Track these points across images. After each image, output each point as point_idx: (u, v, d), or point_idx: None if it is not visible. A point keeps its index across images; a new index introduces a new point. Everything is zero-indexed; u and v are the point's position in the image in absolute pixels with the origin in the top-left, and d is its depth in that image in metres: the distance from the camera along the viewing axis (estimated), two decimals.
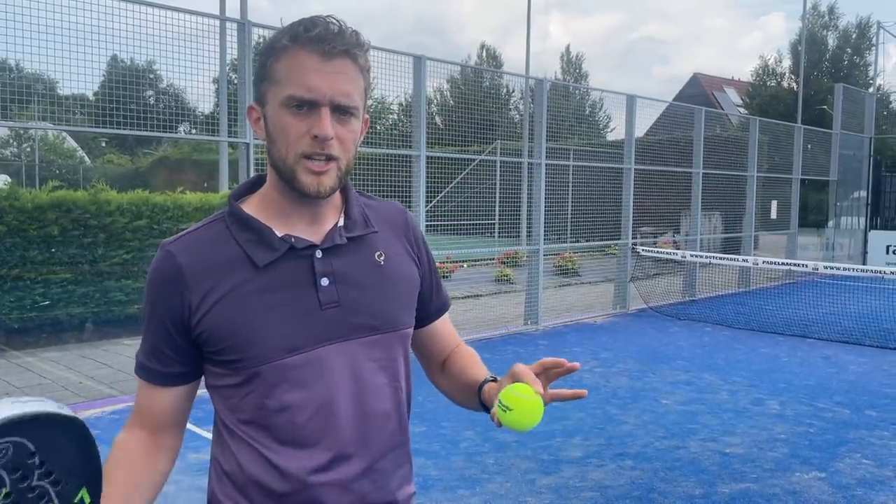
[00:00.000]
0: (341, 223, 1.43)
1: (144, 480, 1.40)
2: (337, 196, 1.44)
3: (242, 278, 1.34)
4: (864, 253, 17.02)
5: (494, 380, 1.46)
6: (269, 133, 1.34)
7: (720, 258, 11.52)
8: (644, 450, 5.22)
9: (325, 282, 1.37)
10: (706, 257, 11.47)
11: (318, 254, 1.38)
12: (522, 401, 1.28)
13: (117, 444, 1.41)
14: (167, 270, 1.36)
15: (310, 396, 1.35)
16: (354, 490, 1.39)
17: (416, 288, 1.53)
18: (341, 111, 1.31)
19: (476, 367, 1.57)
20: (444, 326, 1.66)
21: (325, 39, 1.28)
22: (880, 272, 9.84)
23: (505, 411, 1.28)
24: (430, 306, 1.60)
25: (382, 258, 1.46)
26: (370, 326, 1.41)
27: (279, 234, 1.37)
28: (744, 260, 11.25)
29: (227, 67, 10.20)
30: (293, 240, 1.37)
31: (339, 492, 1.37)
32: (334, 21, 1.31)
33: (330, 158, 1.31)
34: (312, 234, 1.40)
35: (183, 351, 1.38)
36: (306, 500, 1.36)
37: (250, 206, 1.41)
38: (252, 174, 6.63)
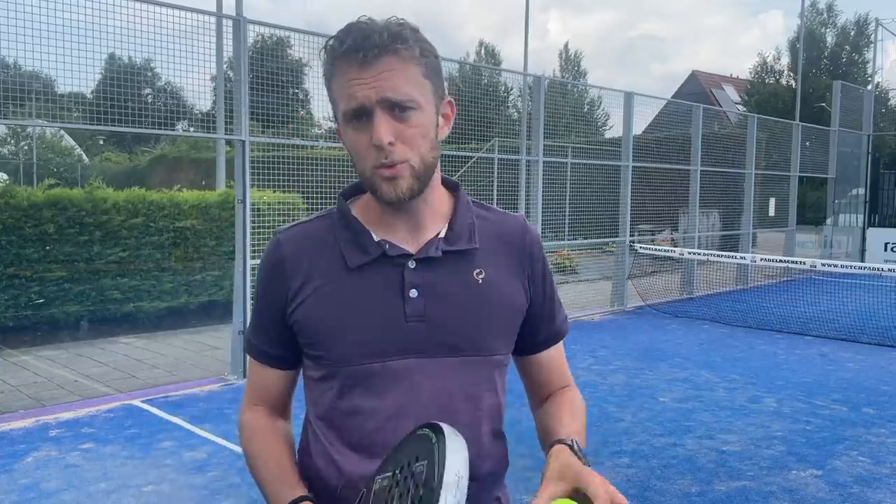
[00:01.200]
0: (442, 234, 1.37)
1: (285, 452, 1.43)
2: (446, 203, 1.41)
3: (332, 277, 1.34)
4: (863, 250, 17.02)
5: (571, 447, 1.28)
6: (349, 150, 1.33)
7: (717, 255, 11.51)
8: (640, 447, 5.21)
9: (413, 293, 1.33)
10: (703, 255, 11.46)
11: (412, 264, 1.34)
12: None
13: (247, 425, 1.46)
14: (273, 257, 1.39)
15: (381, 406, 1.33)
16: None
17: (518, 313, 1.42)
18: (397, 108, 1.25)
19: (567, 418, 1.43)
20: (553, 359, 1.53)
21: (358, 48, 1.24)
22: (877, 269, 9.82)
23: None
24: (538, 334, 1.49)
25: (482, 276, 1.37)
26: (454, 347, 1.34)
27: (377, 238, 1.35)
28: (741, 257, 11.23)
29: (225, 65, 10.20)
30: (387, 246, 1.34)
31: None
32: (365, 23, 1.26)
33: (396, 163, 1.27)
34: (412, 241, 1.36)
35: (283, 335, 1.40)
36: None
37: (358, 207, 1.41)
38: (248, 173, 6.64)
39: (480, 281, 1.37)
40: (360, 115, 1.26)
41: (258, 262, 6.97)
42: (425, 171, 1.30)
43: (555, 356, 1.53)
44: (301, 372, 1.47)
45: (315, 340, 1.35)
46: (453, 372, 1.35)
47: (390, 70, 1.24)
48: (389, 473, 1.13)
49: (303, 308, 1.34)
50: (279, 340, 1.40)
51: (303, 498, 1.30)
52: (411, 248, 1.35)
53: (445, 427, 1.09)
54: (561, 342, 1.54)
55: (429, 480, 1.03)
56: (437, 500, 1.00)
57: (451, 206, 1.41)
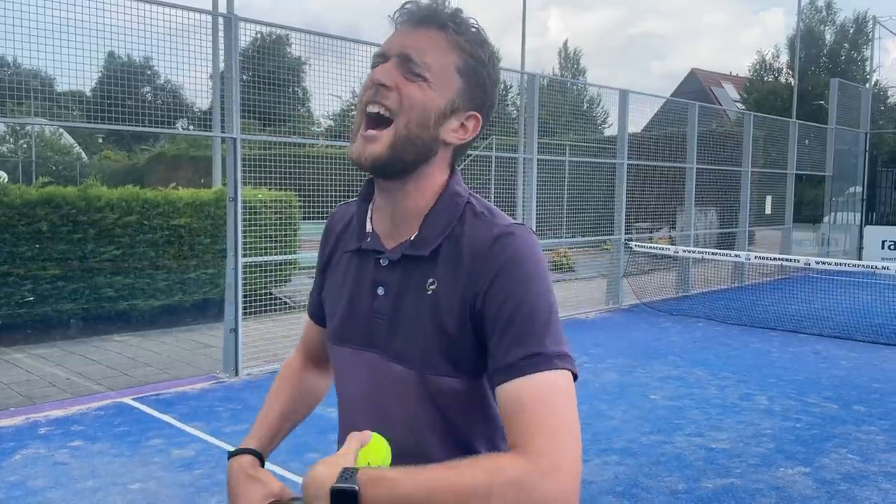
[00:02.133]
0: (413, 237, 1.29)
1: (302, 392, 1.62)
2: (432, 200, 1.29)
3: (343, 257, 1.41)
4: (860, 248, 17.00)
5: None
6: None
7: (712, 253, 11.50)
8: (629, 445, 5.21)
9: (380, 290, 1.30)
10: (698, 253, 11.45)
11: (384, 261, 1.30)
12: None
13: (286, 363, 1.65)
14: (328, 224, 1.50)
15: (343, 390, 1.42)
16: None
17: (448, 336, 1.23)
18: (409, 69, 1.21)
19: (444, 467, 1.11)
20: (507, 401, 1.14)
21: (412, 12, 1.26)
22: (872, 267, 9.81)
23: None
24: (492, 362, 1.19)
25: (433, 288, 1.25)
26: (399, 355, 1.27)
27: (370, 227, 1.36)
28: (736, 255, 11.22)
29: (221, 63, 10.18)
30: (368, 239, 1.34)
31: None
32: (441, 2, 1.28)
33: (382, 121, 1.21)
34: (391, 236, 1.32)
35: (321, 291, 1.50)
36: None
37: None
38: (239, 170, 6.63)
39: (430, 292, 1.25)
40: (378, 59, 1.26)
41: (249, 260, 7.01)
42: (405, 145, 1.22)
43: (509, 398, 1.13)
44: None
45: (325, 310, 1.47)
46: (398, 380, 1.27)
47: (427, 36, 1.24)
48: None
49: (325, 280, 1.46)
50: (320, 300, 1.49)
51: (243, 451, 1.46)
52: (389, 244, 1.31)
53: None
54: (526, 384, 1.13)
55: None
56: None
57: (434, 204, 1.30)
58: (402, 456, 1.16)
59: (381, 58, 1.26)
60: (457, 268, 1.24)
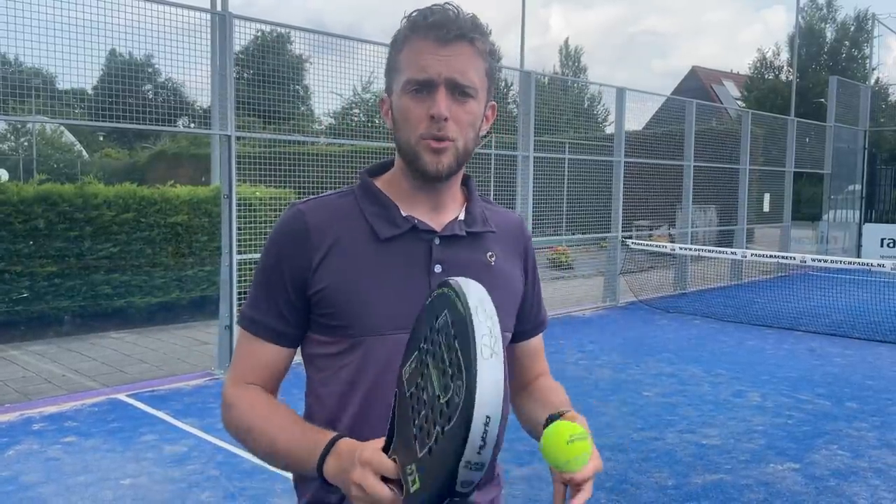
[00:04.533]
0: (461, 217, 1.45)
1: (296, 414, 1.38)
2: (459, 191, 1.48)
3: (364, 248, 1.37)
4: (859, 246, 17.00)
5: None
6: (395, 119, 1.38)
7: (709, 251, 11.51)
8: (620, 441, 5.23)
9: (438, 269, 1.39)
10: (695, 250, 11.46)
11: (437, 240, 1.40)
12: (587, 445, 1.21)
13: (241, 397, 1.40)
14: (296, 227, 1.39)
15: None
16: None
17: (518, 297, 1.53)
18: (459, 91, 1.32)
19: (556, 399, 1.50)
20: (537, 348, 1.65)
21: (441, 25, 1.31)
22: (868, 264, 9.81)
23: (584, 438, 1.21)
24: (527, 322, 1.59)
25: (493, 259, 1.46)
26: None
27: (404, 213, 1.41)
28: (732, 253, 11.23)
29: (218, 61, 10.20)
30: (416, 221, 1.40)
31: None
32: (452, 7, 1.33)
33: (446, 139, 1.33)
34: (433, 220, 1.42)
35: (295, 310, 1.39)
36: None
37: (382, 183, 1.46)
38: (234, 167, 6.66)
39: (493, 262, 1.46)
40: (423, 87, 1.32)
41: (244, 257, 7.03)
42: (465, 156, 1.38)
43: (538, 345, 1.64)
44: (305, 354, 1.47)
45: (340, 310, 1.35)
46: None
47: (463, 55, 1.33)
48: (414, 354, 1.10)
49: (328, 277, 1.36)
50: (289, 315, 1.39)
51: (338, 437, 1.24)
52: (435, 226, 1.41)
53: (448, 279, 1.07)
54: (540, 337, 1.66)
55: (457, 320, 1.00)
56: (471, 324, 0.97)
57: (464, 193, 1.50)
58: None
59: (425, 86, 1.32)
60: (506, 243, 1.51)
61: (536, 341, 1.64)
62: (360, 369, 1.36)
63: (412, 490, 1.01)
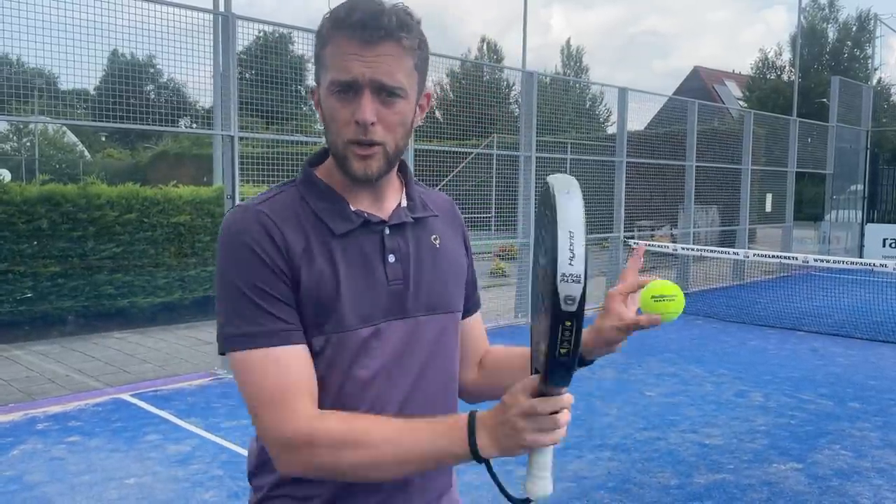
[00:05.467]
0: (404, 203, 1.46)
1: (376, 417, 1.31)
2: (396, 178, 1.48)
3: (321, 245, 1.34)
4: (861, 246, 16.99)
5: None
6: (323, 117, 1.36)
7: (711, 251, 11.51)
8: (623, 441, 5.23)
9: (391, 258, 1.39)
10: (697, 250, 11.46)
11: (387, 230, 1.40)
12: (675, 287, 1.38)
13: (316, 428, 1.24)
14: (262, 223, 1.30)
15: (374, 371, 1.35)
16: None
17: (464, 275, 1.55)
18: (386, 92, 1.30)
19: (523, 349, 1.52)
20: (480, 322, 1.66)
21: (365, 25, 1.26)
22: (870, 265, 9.81)
23: (672, 300, 1.37)
24: (469, 300, 1.60)
25: (438, 241, 1.48)
26: (429, 306, 1.42)
27: (353, 207, 1.39)
28: (735, 253, 11.23)
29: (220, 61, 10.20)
30: (366, 214, 1.39)
31: None
32: (377, 2, 1.29)
33: (374, 143, 1.31)
34: (378, 210, 1.41)
35: (291, 301, 1.30)
36: None
37: (322, 174, 1.43)
38: (237, 168, 6.67)
39: (438, 245, 1.48)
40: (348, 89, 1.29)
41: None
42: (396, 155, 1.36)
43: (480, 320, 1.66)
44: None
45: (314, 310, 1.31)
46: (430, 329, 1.42)
47: (389, 55, 1.28)
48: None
49: (304, 273, 1.30)
50: (291, 307, 1.30)
51: (471, 414, 1.22)
52: (381, 216, 1.41)
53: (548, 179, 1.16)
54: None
55: (545, 199, 1.14)
56: (552, 186, 1.10)
57: (400, 178, 1.49)
58: (437, 401, 1.42)
59: (349, 87, 1.29)
60: (446, 224, 1.53)
61: (480, 318, 1.66)
62: (331, 366, 1.33)
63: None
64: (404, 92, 1.32)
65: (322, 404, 1.31)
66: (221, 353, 1.33)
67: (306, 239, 1.33)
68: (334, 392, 1.34)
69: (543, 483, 1.19)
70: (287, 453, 1.25)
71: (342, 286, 1.33)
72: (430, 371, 1.42)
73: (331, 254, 1.34)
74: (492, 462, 1.22)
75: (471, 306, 1.61)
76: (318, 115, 1.40)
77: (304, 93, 13.91)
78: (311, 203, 1.37)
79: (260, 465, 1.43)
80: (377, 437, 1.23)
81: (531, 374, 1.23)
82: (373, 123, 1.29)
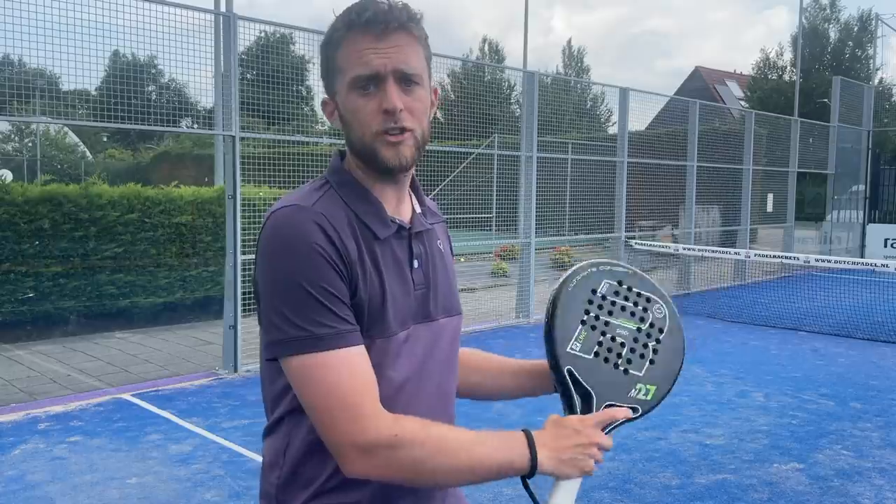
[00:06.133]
0: (418, 210, 1.48)
1: (451, 426, 1.35)
2: (408, 182, 1.48)
3: (368, 249, 1.33)
4: (863, 246, 16.98)
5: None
6: (345, 120, 1.36)
7: (713, 251, 11.51)
8: (624, 441, 5.23)
9: (416, 264, 1.41)
10: (698, 250, 11.46)
11: (412, 237, 1.43)
12: None
13: (402, 427, 1.24)
14: (321, 225, 1.26)
15: (408, 373, 1.37)
16: None
17: (455, 278, 1.58)
18: (405, 81, 1.33)
19: (501, 358, 1.68)
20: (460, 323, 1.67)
21: (378, 20, 1.30)
22: (872, 265, 9.81)
23: None
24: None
25: (442, 246, 1.52)
26: (445, 308, 1.47)
27: (389, 212, 1.41)
28: (736, 253, 11.23)
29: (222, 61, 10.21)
30: (398, 220, 1.40)
31: None
32: (384, 1, 1.33)
33: (404, 130, 1.33)
34: (400, 216, 1.42)
35: (349, 302, 1.28)
36: None
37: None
38: (238, 168, 6.67)
39: (442, 249, 1.52)
40: (370, 83, 1.31)
41: (248, 257, 7.03)
42: (423, 143, 1.38)
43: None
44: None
45: (365, 312, 1.30)
46: (448, 330, 1.47)
47: (404, 45, 1.33)
48: (578, 328, 1.41)
49: (360, 282, 1.29)
50: (352, 313, 1.29)
51: (525, 431, 1.32)
52: (405, 221, 1.42)
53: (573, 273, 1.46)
54: None
55: (624, 279, 1.48)
56: (639, 274, 1.50)
57: (410, 184, 1.51)
58: (452, 398, 1.51)
59: (372, 81, 1.31)
60: (442, 229, 1.57)
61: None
62: (386, 367, 1.32)
63: (648, 397, 1.42)
64: (421, 79, 1.35)
65: None
66: (271, 359, 1.29)
67: (357, 244, 1.32)
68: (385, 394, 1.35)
69: None
70: (367, 456, 1.23)
71: (387, 293, 1.34)
72: (449, 370, 1.48)
73: (376, 259, 1.34)
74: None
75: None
76: (334, 126, 1.41)
77: (305, 93, 13.93)
78: (353, 206, 1.35)
79: (290, 477, 1.36)
80: (454, 443, 1.26)
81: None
82: (401, 110, 1.31)
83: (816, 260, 10.01)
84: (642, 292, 1.45)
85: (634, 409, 1.40)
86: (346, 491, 1.32)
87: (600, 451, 1.33)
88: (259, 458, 4.76)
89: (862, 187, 17.49)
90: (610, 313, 1.42)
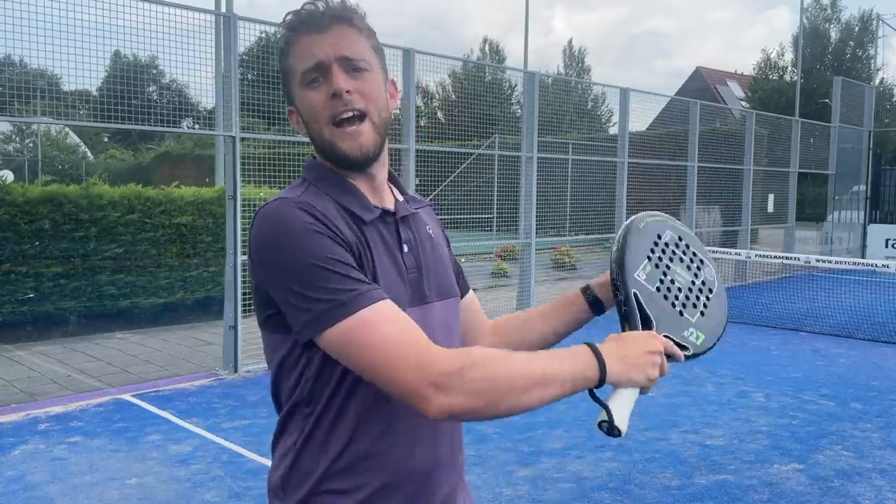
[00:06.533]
0: (401, 198, 1.51)
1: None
2: (385, 176, 1.49)
3: (361, 233, 1.35)
4: (864, 247, 16.97)
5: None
6: (304, 120, 1.39)
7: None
8: (624, 442, 5.23)
9: (405, 248, 1.43)
10: None
11: (398, 221, 1.45)
12: None
13: (471, 349, 1.28)
14: (310, 211, 1.28)
15: None
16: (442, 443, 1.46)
17: (451, 262, 1.60)
18: (352, 67, 1.35)
19: (532, 310, 1.75)
20: (476, 300, 1.74)
21: (314, 15, 1.35)
22: (873, 265, 9.80)
23: None
24: (460, 280, 1.65)
25: (431, 231, 1.54)
26: (438, 291, 1.47)
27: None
28: (736, 253, 11.23)
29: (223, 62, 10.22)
30: (381, 206, 1.42)
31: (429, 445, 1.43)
32: (320, 1, 1.37)
33: (358, 115, 1.34)
34: (382, 203, 1.44)
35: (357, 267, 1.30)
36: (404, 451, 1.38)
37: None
38: (238, 168, 6.68)
39: (432, 234, 1.53)
40: (317, 73, 1.34)
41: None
42: (383, 128, 1.39)
43: (475, 297, 1.73)
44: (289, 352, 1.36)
45: None
46: (439, 313, 1.46)
47: (345, 35, 1.36)
48: (643, 262, 1.50)
49: (359, 259, 1.33)
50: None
51: (590, 344, 1.34)
52: (390, 208, 1.45)
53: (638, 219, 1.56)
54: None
55: (683, 235, 1.60)
56: (692, 236, 1.63)
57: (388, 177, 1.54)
58: None
59: (318, 71, 1.35)
60: (428, 215, 1.58)
61: (475, 295, 1.73)
62: None
63: (699, 342, 1.49)
64: (370, 65, 1.37)
65: (356, 390, 1.32)
66: (308, 343, 1.28)
67: (350, 228, 1.33)
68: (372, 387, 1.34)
69: (625, 419, 1.37)
70: (443, 391, 1.20)
71: (378, 275, 1.34)
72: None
73: (367, 242, 1.35)
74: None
75: (463, 284, 1.66)
76: (301, 132, 1.42)
77: None
78: (334, 196, 1.37)
79: (294, 467, 1.38)
80: (523, 359, 1.27)
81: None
82: (348, 91, 1.33)
83: (817, 260, 10.01)
84: (697, 253, 1.57)
85: (685, 349, 1.46)
86: (347, 478, 1.34)
87: (664, 364, 1.38)
88: (259, 459, 4.77)
89: (863, 188, 17.48)
90: (671, 259, 1.52)
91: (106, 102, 6.54)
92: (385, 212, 1.42)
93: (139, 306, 9.02)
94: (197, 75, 7.05)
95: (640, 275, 1.48)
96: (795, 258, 10.34)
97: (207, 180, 16.15)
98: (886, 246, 16.50)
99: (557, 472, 4.67)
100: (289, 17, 1.38)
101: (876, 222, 17.32)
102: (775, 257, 10.97)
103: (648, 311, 1.45)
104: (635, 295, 1.45)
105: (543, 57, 78.40)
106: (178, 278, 9.30)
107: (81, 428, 5.39)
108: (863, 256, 16.23)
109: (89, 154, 29.53)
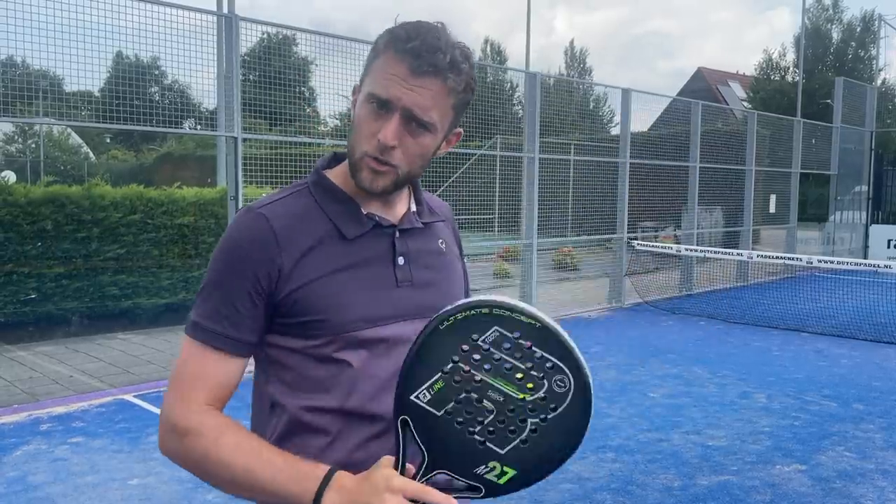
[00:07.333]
0: (413, 209, 1.49)
1: (259, 440, 1.32)
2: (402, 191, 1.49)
3: (334, 250, 1.36)
4: (866, 247, 16.96)
5: None
6: (354, 120, 1.39)
7: (715, 252, 11.50)
8: (626, 442, 5.23)
9: (401, 261, 1.42)
10: (701, 251, 11.45)
11: (397, 234, 1.43)
12: None
13: (206, 424, 1.28)
14: (260, 232, 1.34)
15: (379, 369, 1.37)
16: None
17: (462, 279, 1.59)
18: (415, 123, 1.32)
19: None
20: None
21: (418, 55, 1.28)
22: (875, 266, 9.79)
23: None
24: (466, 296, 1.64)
25: (444, 245, 1.53)
26: (437, 307, 1.35)
27: (364, 210, 1.42)
28: (738, 254, 11.22)
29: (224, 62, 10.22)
30: (377, 218, 1.42)
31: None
32: (438, 33, 1.31)
33: (388, 164, 1.34)
34: (388, 213, 1.45)
35: (258, 318, 1.34)
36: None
37: (336, 177, 1.45)
38: (240, 169, 6.68)
39: (444, 249, 1.52)
40: (382, 105, 1.31)
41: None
42: (406, 181, 1.39)
43: None
44: (261, 360, 1.44)
45: (315, 315, 1.33)
46: None
47: (430, 90, 1.31)
48: (436, 376, 1.15)
49: (302, 285, 1.33)
50: (252, 323, 1.34)
51: (333, 470, 1.21)
52: (392, 220, 1.44)
53: (471, 302, 1.15)
54: None
55: (529, 332, 1.13)
56: (553, 329, 1.13)
57: (410, 184, 1.51)
58: None
59: (384, 106, 1.31)
60: (446, 229, 1.58)
61: None
62: (340, 366, 1.35)
63: (501, 480, 1.17)
64: (434, 128, 1.35)
65: (335, 402, 1.35)
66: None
67: (310, 246, 1.35)
68: (345, 391, 1.36)
69: None
70: (169, 435, 1.32)
71: (348, 290, 1.35)
72: None
73: (338, 256, 1.36)
74: None
75: None
76: (352, 114, 1.42)
77: (307, 94, 13.93)
78: (323, 206, 1.40)
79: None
80: (240, 461, 1.24)
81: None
82: (393, 147, 1.32)
83: (819, 261, 10.00)
84: (546, 356, 1.13)
85: (475, 490, 1.18)
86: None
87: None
88: None
89: (865, 188, 17.47)
90: (487, 369, 1.14)
91: (108, 103, 6.55)
92: (379, 225, 1.41)
93: (141, 307, 9.02)
94: (199, 76, 7.04)
95: (424, 395, 1.16)
96: (797, 259, 10.33)
97: (209, 181, 16.14)
98: (889, 246, 16.49)
99: (558, 473, 4.64)
100: (399, 29, 1.32)
101: (878, 223, 17.31)
102: (777, 258, 10.97)
103: (420, 443, 1.17)
104: (404, 422, 1.17)
105: (545, 57, 78.38)
106: (180, 279, 9.30)
107: (83, 428, 5.39)
108: (865, 257, 16.22)
109: (91, 155, 29.57)
